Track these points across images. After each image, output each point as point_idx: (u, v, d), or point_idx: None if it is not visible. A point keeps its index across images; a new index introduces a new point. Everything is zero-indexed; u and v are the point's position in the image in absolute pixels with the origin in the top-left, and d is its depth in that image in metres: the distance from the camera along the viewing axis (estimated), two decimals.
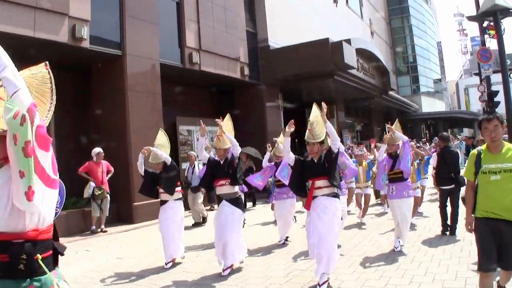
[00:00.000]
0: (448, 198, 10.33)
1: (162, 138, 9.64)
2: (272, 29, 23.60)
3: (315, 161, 7.22)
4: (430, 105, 70.19)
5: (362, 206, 13.02)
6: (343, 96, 30.67)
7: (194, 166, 14.80)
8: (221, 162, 8.63)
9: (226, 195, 8.52)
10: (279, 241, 10.55)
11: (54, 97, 3.45)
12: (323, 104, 7.26)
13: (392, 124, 9.56)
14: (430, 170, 14.16)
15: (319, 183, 7.07)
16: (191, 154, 14.38)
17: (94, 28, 14.06)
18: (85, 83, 15.77)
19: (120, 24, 15.20)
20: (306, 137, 7.27)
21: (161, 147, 9.37)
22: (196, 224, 14.19)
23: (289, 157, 7.35)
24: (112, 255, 10.36)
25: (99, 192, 13.14)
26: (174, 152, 18.04)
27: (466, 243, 8.97)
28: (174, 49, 17.72)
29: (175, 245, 9.10)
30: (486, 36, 19.96)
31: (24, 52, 13.19)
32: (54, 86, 3.50)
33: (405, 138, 9.33)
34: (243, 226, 9.56)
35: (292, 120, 7.29)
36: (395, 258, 8.36)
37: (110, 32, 15.05)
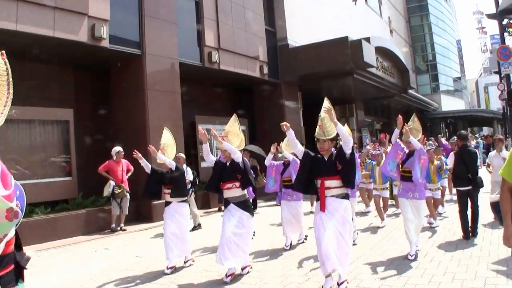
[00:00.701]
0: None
1: (167, 137, 9.46)
2: (291, 27, 23.53)
3: (326, 159, 6.81)
4: (449, 104, 69.61)
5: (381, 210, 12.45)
6: (363, 95, 30.52)
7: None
8: (227, 164, 8.27)
9: (234, 198, 8.15)
10: (285, 245, 10.04)
11: (11, 91, 3.12)
12: (327, 104, 6.89)
13: (405, 122, 8.95)
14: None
15: (329, 183, 6.68)
16: (179, 156, 13.03)
17: (113, 27, 14.12)
18: (104, 82, 15.84)
19: (139, 24, 15.23)
20: (316, 133, 6.86)
21: (167, 147, 9.30)
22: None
23: (298, 149, 7.02)
24: (131, 254, 10.35)
25: (119, 191, 13.17)
26: (193, 151, 18.11)
27: (486, 242, 8.99)
28: (193, 48, 17.72)
29: (180, 250, 8.89)
30: (506, 34, 19.79)
31: (44, 52, 13.31)
32: (11, 79, 3.13)
33: (418, 146, 8.64)
34: (253, 237, 9.36)
35: (285, 123, 7.00)
36: (414, 259, 8.29)
37: (129, 31, 15.08)
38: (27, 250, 9.62)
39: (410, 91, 36.20)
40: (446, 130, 69.40)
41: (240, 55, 19.63)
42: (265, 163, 11.11)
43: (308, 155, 6.90)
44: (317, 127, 6.86)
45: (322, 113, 6.88)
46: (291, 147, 7.32)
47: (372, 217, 13.26)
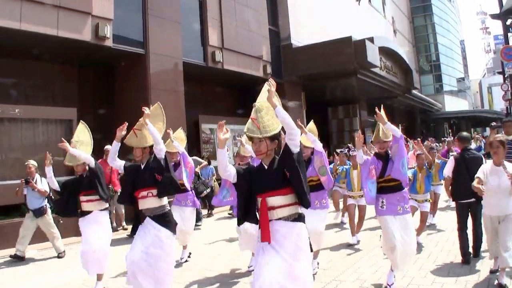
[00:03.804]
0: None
1: (82, 133, 7.94)
2: (294, 27, 23.51)
3: (266, 166, 4.76)
4: (453, 104, 69.58)
5: (356, 221, 10.44)
6: (366, 95, 30.47)
7: (35, 180, 10.54)
8: (142, 166, 6.63)
9: (149, 211, 6.43)
10: (249, 266, 8.24)
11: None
12: (271, 81, 4.66)
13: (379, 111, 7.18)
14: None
15: (273, 200, 4.59)
16: (29, 164, 10.65)
17: (117, 27, 14.10)
18: (108, 81, 15.83)
19: (143, 23, 15.22)
20: (246, 129, 4.76)
21: (81, 145, 7.73)
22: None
23: (228, 173, 4.73)
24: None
25: None
26: (196, 151, 18.08)
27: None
28: (197, 48, 17.71)
29: (100, 262, 7.49)
30: (509, 34, 19.77)
31: (47, 51, 13.32)
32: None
33: (399, 132, 6.90)
34: (187, 260, 9.17)
35: (223, 122, 4.59)
36: (417, 258, 8.26)
37: (133, 31, 15.07)
38: (31, 248, 9.65)
39: (413, 91, 36.19)
40: (450, 130, 69.36)
41: (243, 55, 19.60)
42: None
43: (241, 173, 4.81)
44: (249, 120, 4.77)
45: (259, 103, 4.88)
46: (219, 170, 4.80)
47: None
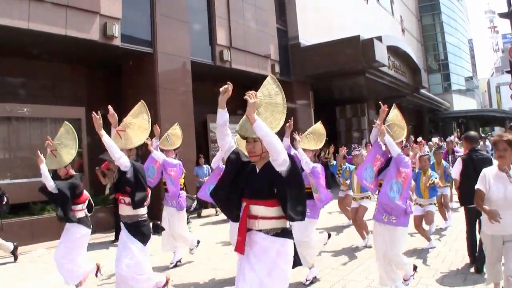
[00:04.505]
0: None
1: (66, 135, 7.46)
2: (302, 26, 23.46)
3: (257, 170, 4.17)
4: (461, 103, 69.38)
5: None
6: (374, 94, 30.39)
7: None
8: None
9: (124, 218, 6.20)
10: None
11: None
12: (250, 94, 4.13)
13: (385, 113, 6.52)
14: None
15: (257, 210, 4.08)
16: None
17: (125, 26, 14.11)
18: (116, 80, 15.84)
19: (151, 22, 15.22)
20: (238, 127, 4.24)
21: (63, 148, 7.27)
22: None
23: (224, 142, 4.32)
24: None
25: None
26: (205, 150, 18.08)
27: None
28: (205, 47, 17.71)
29: (72, 272, 7.06)
30: None
31: (56, 50, 13.36)
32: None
33: (395, 150, 6.19)
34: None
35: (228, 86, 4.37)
36: (426, 258, 8.25)
37: (141, 30, 15.08)
38: (38, 247, 9.67)
39: (421, 90, 36.08)
40: (458, 130, 69.20)
41: (251, 54, 19.58)
42: (212, 165, 8.95)
43: (237, 157, 4.30)
44: (244, 117, 4.20)
45: (260, 96, 4.40)
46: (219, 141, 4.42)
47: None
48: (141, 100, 6.94)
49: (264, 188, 4.01)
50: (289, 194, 3.89)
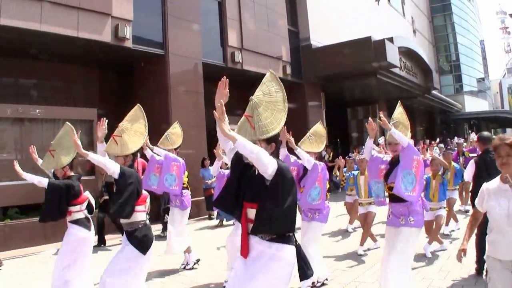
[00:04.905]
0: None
1: (66, 137, 7.00)
2: (313, 27, 23.47)
3: (256, 172, 3.92)
4: (473, 105, 68.99)
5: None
6: (386, 95, 30.33)
7: None
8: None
9: (123, 225, 6.02)
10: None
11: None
12: (219, 107, 3.92)
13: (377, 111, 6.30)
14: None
15: (252, 213, 3.85)
16: None
17: (136, 27, 14.18)
18: (128, 82, 15.90)
19: (162, 24, 15.30)
20: (237, 128, 4.10)
21: (61, 150, 6.98)
22: None
23: (227, 141, 4.15)
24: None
25: None
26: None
27: None
28: (217, 48, 17.78)
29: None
30: None
31: (68, 52, 13.42)
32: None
33: (405, 141, 6.02)
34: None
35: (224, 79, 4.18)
36: (436, 259, 8.21)
37: (152, 31, 15.16)
38: (50, 247, 9.67)
39: (433, 91, 35.94)
40: (470, 131, 68.97)
41: (263, 55, 19.61)
42: (212, 173, 9.23)
43: (238, 159, 4.05)
44: (242, 118, 4.11)
45: (257, 94, 4.14)
46: (220, 141, 4.40)
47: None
48: (138, 104, 6.57)
49: (259, 191, 3.82)
50: (268, 202, 3.72)
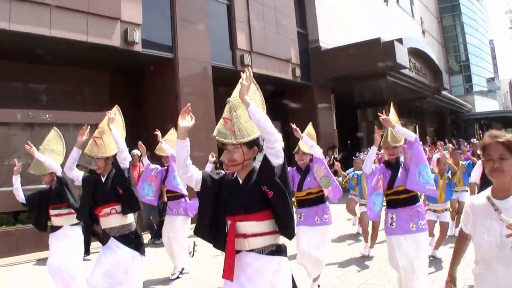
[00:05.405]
0: None
1: (54, 141, 7.11)
2: (322, 29, 23.46)
3: (240, 181, 3.63)
4: (483, 105, 68.68)
5: (370, 233, 9.61)
6: (395, 96, 30.19)
7: None
8: (103, 179, 5.88)
9: (114, 230, 5.70)
10: None
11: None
12: (248, 71, 3.51)
13: (386, 112, 6.10)
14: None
15: (245, 227, 3.50)
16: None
17: (146, 31, 14.21)
18: (137, 86, 15.95)
19: (171, 28, 15.33)
20: (216, 132, 3.67)
21: (50, 154, 6.85)
22: None
23: (188, 175, 3.70)
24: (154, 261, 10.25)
25: None
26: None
27: None
28: (226, 51, 17.78)
29: (67, 283, 6.63)
30: None
31: (78, 57, 13.46)
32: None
33: (412, 135, 5.84)
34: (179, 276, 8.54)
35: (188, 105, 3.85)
36: (446, 264, 8.14)
37: (161, 35, 15.19)
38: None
39: (443, 92, 35.80)
40: (480, 131, 68.67)
41: (272, 58, 19.59)
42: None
43: (208, 184, 3.65)
44: (220, 121, 3.77)
45: (234, 96, 3.86)
46: (177, 167, 3.84)
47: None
48: (116, 105, 6.41)
49: (253, 199, 3.47)
50: (283, 197, 3.36)
